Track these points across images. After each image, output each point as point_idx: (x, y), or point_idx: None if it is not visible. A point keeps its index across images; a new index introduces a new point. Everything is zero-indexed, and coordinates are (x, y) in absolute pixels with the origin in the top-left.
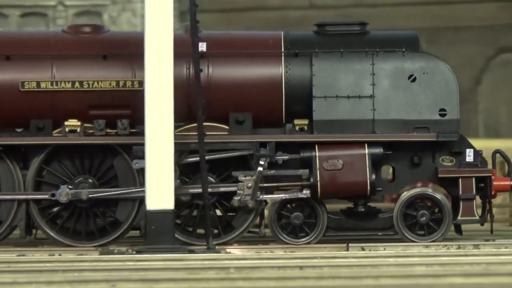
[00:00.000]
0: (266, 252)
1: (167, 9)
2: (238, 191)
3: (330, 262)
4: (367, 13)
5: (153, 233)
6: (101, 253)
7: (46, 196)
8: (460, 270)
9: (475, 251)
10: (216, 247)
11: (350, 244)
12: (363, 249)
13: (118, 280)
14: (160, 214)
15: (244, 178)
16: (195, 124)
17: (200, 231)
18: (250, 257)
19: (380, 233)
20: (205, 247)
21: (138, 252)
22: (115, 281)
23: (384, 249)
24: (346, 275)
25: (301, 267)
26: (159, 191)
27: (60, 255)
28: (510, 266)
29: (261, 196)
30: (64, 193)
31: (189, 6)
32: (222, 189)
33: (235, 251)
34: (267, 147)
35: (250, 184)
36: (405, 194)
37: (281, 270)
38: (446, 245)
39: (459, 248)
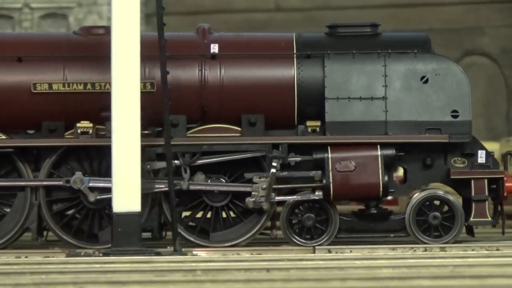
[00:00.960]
0: (232, 255)
1: (134, 11)
2: (253, 193)
3: (297, 265)
4: (333, 15)
5: (120, 235)
6: (68, 255)
7: (61, 183)
8: (427, 272)
9: (441, 253)
10: (183, 249)
11: (316, 247)
12: (329, 251)
13: (86, 282)
14: (127, 216)
15: (258, 179)
16: (208, 126)
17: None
18: (217, 260)
19: (392, 235)
20: (172, 249)
21: (105, 254)
22: (82, 283)
23: (351, 251)
24: (313, 278)
25: (268, 270)
26: (126, 193)
27: (26, 257)
28: (477, 268)
29: (275, 198)
30: (78, 180)
31: (156, 9)
32: (235, 189)
33: (202, 253)
34: (280, 149)
35: (264, 186)
36: (417, 196)
37: (248, 272)
38: (412, 248)
39: (425, 250)
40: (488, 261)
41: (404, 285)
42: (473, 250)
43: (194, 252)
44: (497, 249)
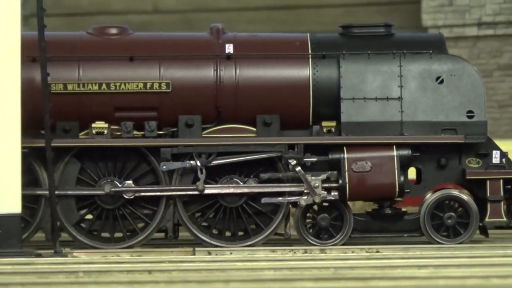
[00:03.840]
0: (113, 256)
1: (14, 13)
2: (305, 191)
3: (178, 266)
4: (211, 17)
5: (1, 237)
6: None
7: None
8: (309, 274)
9: (322, 255)
10: (63, 250)
11: (196, 249)
12: (209, 253)
13: None
14: (7, 218)
15: (311, 178)
16: (223, 126)
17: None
18: (98, 261)
19: (406, 235)
20: (53, 251)
21: None
22: None
23: (231, 253)
24: (196, 279)
25: (150, 271)
26: (6, 195)
27: None
28: (359, 270)
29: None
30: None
31: (37, 10)
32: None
33: (82, 255)
34: (295, 149)
35: (317, 184)
36: (431, 196)
37: (130, 274)
38: (292, 250)
39: (305, 252)
40: (369, 263)
41: (287, 286)
42: (353, 252)
43: (75, 254)
44: (377, 251)
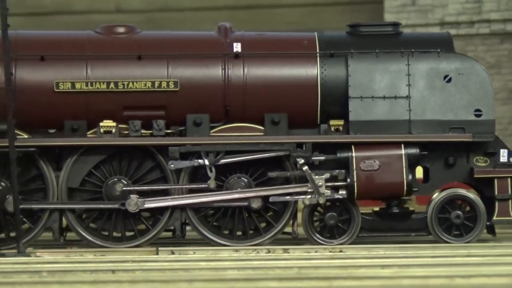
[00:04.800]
0: (76, 256)
1: None
2: (308, 190)
3: (142, 266)
4: (174, 17)
5: None
6: None
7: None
8: (273, 274)
9: (285, 255)
10: (26, 250)
11: (160, 248)
12: (173, 253)
13: None
14: None
15: (316, 177)
16: (231, 125)
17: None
18: (62, 261)
19: (413, 234)
20: (16, 250)
21: None
22: None
23: (194, 253)
24: (159, 279)
25: (113, 271)
26: None
27: None
28: (323, 270)
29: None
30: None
31: (0, 10)
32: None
33: (46, 255)
34: (304, 148)
35: (320, 183)
36: (438, 195)
37: (94, 273)
38: (255, 249)
39: (268, 252)
40: (332, 262)
41: (251, 286)
42: (316, 252)
43: (38, 254)
44: (341, 251)
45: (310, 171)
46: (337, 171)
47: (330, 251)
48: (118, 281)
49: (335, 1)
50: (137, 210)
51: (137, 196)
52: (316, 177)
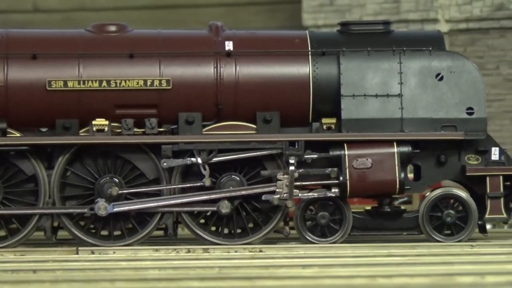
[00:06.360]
0: None
1: None
2: (277, 190)
3: (63, 266)
4: (91, 17)
5: None
6: None
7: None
8: (194, 274)
9: (206, 255)
10: None
11: (79, 248)
12: (93, 252)
13: None
14: None
15: (282, 176)
16: (223, 123)
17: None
18: None
19: (405, 233)
20: None
21: None
22: None
23: (114, 252)
24: (81, 279)
25: (34, 271)
26: None
27: None
28: (244, 270)
29: (299, 195)
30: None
31: None
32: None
33: None
34: (296, 146)
35: (287, 183)
36: (430, 194)
37: (15, 273)
38: (175, 249)
39: (188, 252)
40: (253, 262)
41: (173, 286)
42: (236, 251)
43: None
44: (260, 251)
45: (295, 173)
46: (329, 169)
47: (250, 251)
48: (40, 281)
49: (252, 1)
50: (106, 215)
51: (105, 200)
52: (282, 176)
